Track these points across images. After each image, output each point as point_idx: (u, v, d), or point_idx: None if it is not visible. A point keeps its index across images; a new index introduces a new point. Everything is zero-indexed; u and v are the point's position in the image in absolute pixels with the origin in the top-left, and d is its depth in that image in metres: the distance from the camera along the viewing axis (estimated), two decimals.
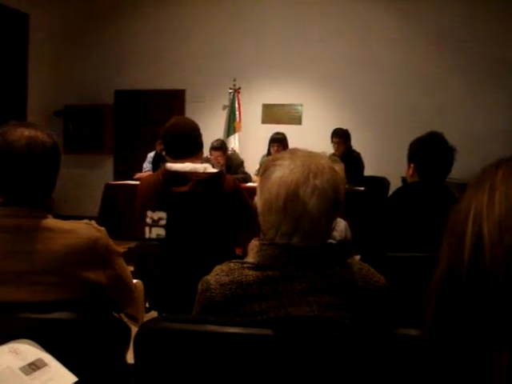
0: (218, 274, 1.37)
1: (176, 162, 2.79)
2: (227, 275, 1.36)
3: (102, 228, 1.72)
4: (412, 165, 2.62)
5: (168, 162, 2.88)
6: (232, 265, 1.39)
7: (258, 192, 1.43)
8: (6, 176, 1.59)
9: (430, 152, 2.56)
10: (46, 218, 1.62)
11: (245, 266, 1.37)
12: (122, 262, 1.78)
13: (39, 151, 1.61)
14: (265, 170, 1.42)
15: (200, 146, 2.96)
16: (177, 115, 8.44)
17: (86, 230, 1.65)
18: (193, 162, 2.80)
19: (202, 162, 2.87)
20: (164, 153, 3.14)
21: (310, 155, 1.40)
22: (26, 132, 1.60)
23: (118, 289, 1.74)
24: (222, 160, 6.19)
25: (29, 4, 8.06)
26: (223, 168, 6.03)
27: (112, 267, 1.70)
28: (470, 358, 0.52)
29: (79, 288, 1.58)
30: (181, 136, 2.86)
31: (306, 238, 1.35)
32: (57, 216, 1.70)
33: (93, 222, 1.74)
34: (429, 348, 0.59)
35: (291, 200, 1.32)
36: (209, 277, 1.40)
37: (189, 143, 2.88)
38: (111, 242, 1.73)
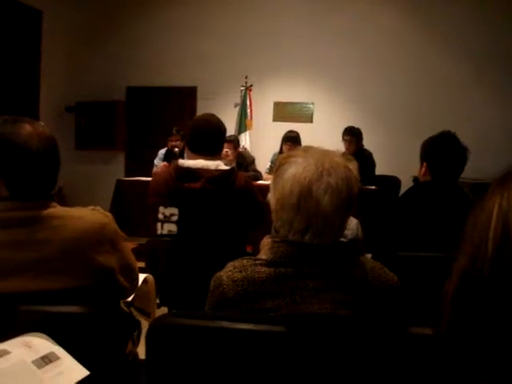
0: (231, 271, 1.38)
1: (197, 159, 2.79)
2: (240, 272, 1.36)
3: (108, 213, 1.75)
4: (425, 164, 2.61)
5: (187, 157, 2.87)
6: (245, 261, 1.39)
7: (272, 189, 1.43)
8: (21, 174, 1.59)
9: (442, 151, 2.55)
10: (52, 206, 1.64)
11: (257, 262, 1.37)
12: (127, 246, 1.80)
13: (49, 147, 1.63)
14: (278, 167, 1.42)
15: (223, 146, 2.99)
16: (188, 112, 8.50)
17: (93, 215, 1.68)
18: (214, 160, 2.80)
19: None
20: (185, 148, 3.11)
21: (324, 153, 1.39)
22: (31, 128, 1.60)
23: (126, 273, 1.76)
24: (231, 154, 6.16)
25: (42, 0, 8.10)
26: (232, 163, 6.02)
27: (120, 251, 1.72)
28: (489, 356, 0.52)
29: (90, 274, 1.59)
30: (212, 134, 2.86)
31: (319, 235, 1.35)
32: None
33: (98, 207, 1.76)
34: (445, 346, 0.58)
35: (304, 197, 1.32)
36: (221, 273, 1.40)
37: (217, 142, 2.89)
38: (117, 226, 1.75)
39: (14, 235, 1.54)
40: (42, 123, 1.69)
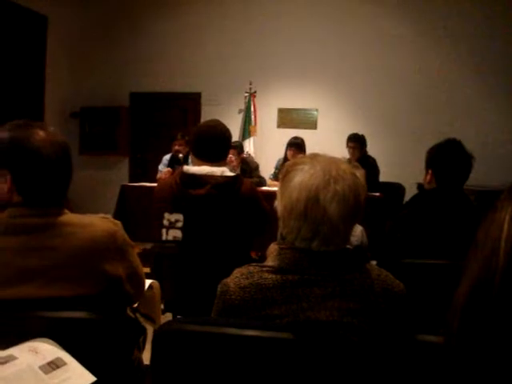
0: (238, 277, 1.38)
1: (202, 165, 2.80)
2: (247, 278, 1.36)
3: (118, 221, 1.76)
4: (430, 171, 2.61)
5: (192, 163, 2.87)
6: (251, 268, 1.39)
7: (279, 196, 1.44)
8: (33, 180, 1.60)
9: (448, 158, 2.55)
10: (64, 214, 1.64)
11: (264, 269, 1.37)
12: (135, 253, 1.81)
13: (62, 153, 1.63)
14: (285, 174, 1.42)
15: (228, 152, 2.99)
16: (192, 118, 8.52)
17: (103, 223, 1.68)
18: (219, 166, 2.81)
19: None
20: (190, 154, 3.11)
21: (331, 160, 1.40)
22: (43, 134, 1.60)
23: (133, 281, 1.76)
24: (235, 160, 6.17)
25: (48, 6, 8.13)
26: (237, 169, 6.03)
27: (128, 260, 1.72)
28: (499, 366, 0.52)
29: (98, 282, 1.59)
30: (217, 140, 2.86)
31: (326, 242, 1.36)
32: None
33: (108, 215, 1.78)
34: (455, 355, 0.58)
35: (311, 205, 1.32)
36: (228, 280, 1.40)
37: (222, 148, 2.89)
38: (126, 234, 1.76)
39: (25, 242, 1.55)
40: (52, 128, 1.69)
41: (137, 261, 1.80)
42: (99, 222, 1.67)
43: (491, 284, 0.52)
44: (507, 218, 0.55)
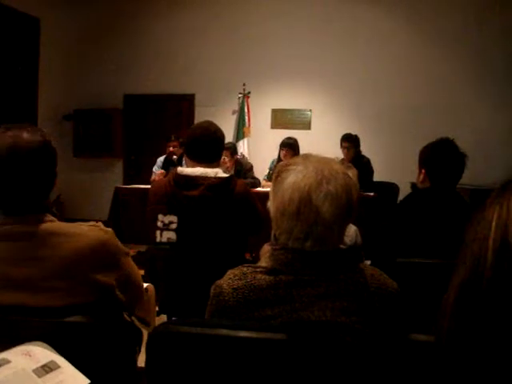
0: (231, 278, 1.38)
1: (197, 167, 2.80)
2: (240, 279, 1.36)
3: (109, 229, 1.71)
4: (423, 170, 2.62)
5: (186, 165, 2.87)
6: (245, 269, 1.39)
7: (271, 197, 1.44)
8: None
9: (441, 158, 2.56)
10: (50, 221, 1.60)
11: (257, 270, 1.37)
12: (129, 261, 1.77)
13: (24, 152, 1.54)
14: (278, 174, 1.42)
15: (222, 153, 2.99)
16: (186, 120, 8.51)
17: (93, 232, 1.64)
18: (213, 167, 2.81)
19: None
20: (184, 156, 3.11)
21: (323, 160, 1.40)
22: (10, 134, 1.55)
23: (128, 289, 1.73)
24: (229, 161, 6.18)
25: (40, 8, 8.11)
26: (230, 170, 6.03)
27: (121, 268, 1.69)
28: (490, 364, 0.52)
29: (89, 292, 1.57)
30: (210, 141, 2.86)
31: (319, 242, 1.36)
32: (66, 219, 1.69)
33: (99, 223, 1.73)
34: (446, 354, 0.58)
35: (304, 205, 1.32)
36: (221, 281, 1.40)
37: (216, 149, 2.89)
38: (119, 242, 1.72)
39: (10, 250, 1.52)
40: (41, 129, 1.65)
41: (131, 268, 1.76)
42: (88, 232, 1.63)
43: (480, 283, 0.52)
44: (495, 217, 0.55)
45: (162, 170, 6.15)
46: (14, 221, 1.56)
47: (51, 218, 1.62)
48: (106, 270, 1.62)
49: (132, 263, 1.79)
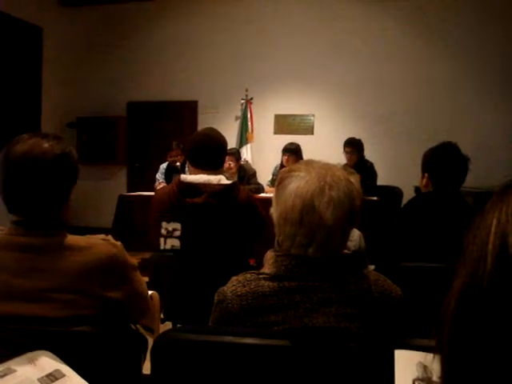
0: (235, 285, 1.38)
1: (200, 174, 2.80)
2: (244, 286, 1.36)
3: (118, 243, 1.70)
4: (426, 174, 2.62)
5: (189, 172, 2.87)
6: (248, 276, 1.39)
7: (274, 203, 1.44)
8: (8, 190, 1.57)
9: (444, 162, 2.56)
10: (61, 235, 1.60)
11: (261, 276, 1.37)
12: (138, 275, 1.76)
13: (36, 161, 1.54)
14: (280, 181, 1.43)
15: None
16: (189, 126, 8.52)
17: (102, 246, 1.62)
18: (216, 174, 2.81)
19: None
20: (186, 163, 3.12)
21: (326, 166, 1.40)
22: (30, 142, 1.55)
23: (135, 303, 1.72)
24: (233, 167, 6.20)
25: (43, 17, 8.16)
26: (235, 176, 6.04)
27: (129, 283, 1.68)
28: (490, 371, 0.52)
29: (96, 305, 1.56)
30: (213, 148, 2.86)
31: (322, 249, 1.36)
32: (71, 227, 1.68)
33: (109, 236, 1.72)
34: (445, 363, 0.58)
35: (307, 211, 1.33)
36: (225, 288, 1.40)
37: (219, 156, 2.90)
38: (127, 255, 1.70)
39: (20, 260, 1.52)
40: (66, 143, 1.65)
41: (139, 282, 1.75)
42: (98, 246, 1.61)
43: (479, 289, 0.52)
44: (494, 221, 0.55)
45: (163, 183, 6.20)
46: (24, 231, 1.56)
47: (63, 232, 1.61)
48: (115, 285, 1.61)
49: (140, 277, 1.77)
